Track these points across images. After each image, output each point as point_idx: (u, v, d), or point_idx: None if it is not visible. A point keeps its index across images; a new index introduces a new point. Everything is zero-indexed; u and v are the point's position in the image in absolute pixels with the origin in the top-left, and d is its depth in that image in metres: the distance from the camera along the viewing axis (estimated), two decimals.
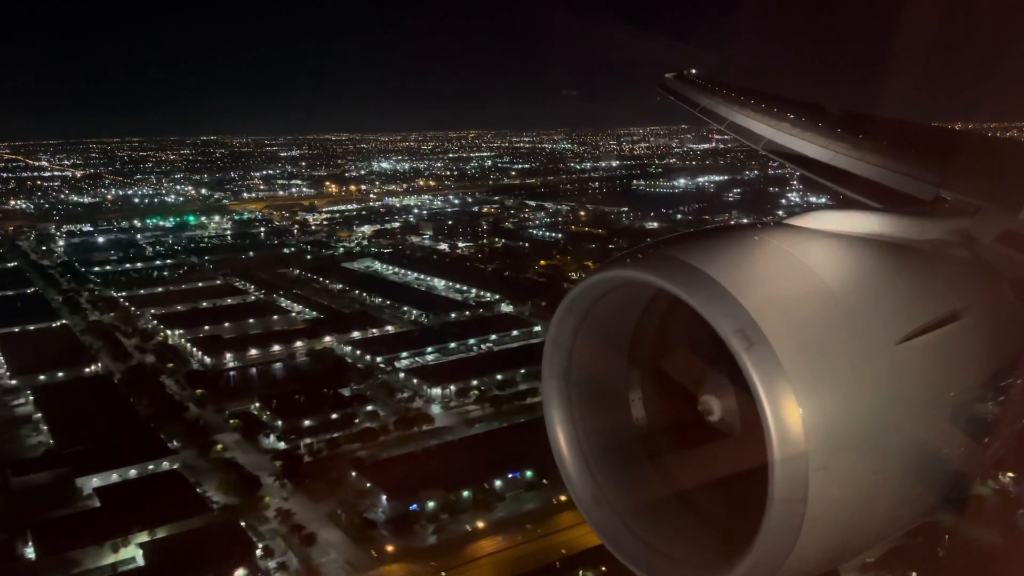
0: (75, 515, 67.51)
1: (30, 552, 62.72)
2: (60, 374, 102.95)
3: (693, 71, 13.36)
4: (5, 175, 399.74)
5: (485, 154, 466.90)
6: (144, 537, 62.28)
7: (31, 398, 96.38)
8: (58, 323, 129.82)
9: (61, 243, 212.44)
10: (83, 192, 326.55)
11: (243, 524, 65.18)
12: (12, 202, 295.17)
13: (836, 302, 3.40)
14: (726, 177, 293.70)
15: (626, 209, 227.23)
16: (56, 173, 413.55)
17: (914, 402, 3.50)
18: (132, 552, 61.53)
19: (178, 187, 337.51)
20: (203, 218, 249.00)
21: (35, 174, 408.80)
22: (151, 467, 76.08)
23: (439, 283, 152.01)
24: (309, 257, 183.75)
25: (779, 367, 3.09)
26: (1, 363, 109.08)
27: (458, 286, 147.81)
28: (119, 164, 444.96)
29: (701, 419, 3.78)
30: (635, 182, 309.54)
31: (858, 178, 7.18)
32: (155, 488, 70.92)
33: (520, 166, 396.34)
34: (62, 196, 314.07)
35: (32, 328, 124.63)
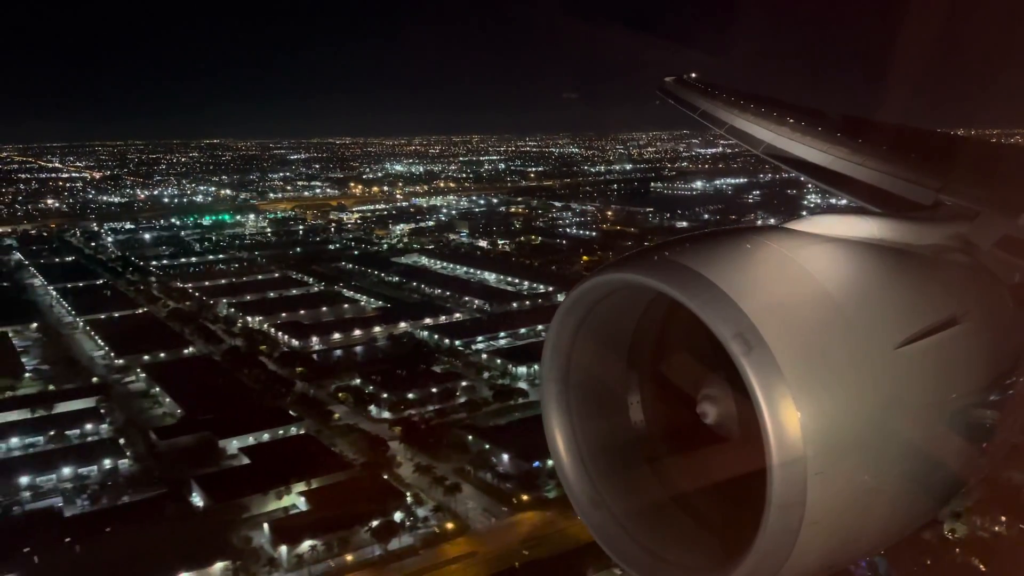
0: (231, 470, 75.28)
1: (197, 500, 70.44)
2: (162, 354, 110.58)
3: (693, 75, 13.36)
4: (25, 176, 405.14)
5: (494, 158, 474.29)
6: (302, 487, 70.01)
7: (143, 375, 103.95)
8: (141, 310, 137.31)
9: (110, 239, 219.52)
10: (109, 192, 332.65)
11: (386, 477, 73.05)
12: (44, 202, 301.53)
13: (835, 306, 3.42)
14: (743, 180, 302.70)
15: (651, 209, 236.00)
16: (74, 175, 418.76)
17: (912, 407, 3.51)
18: (293, 499, 69.27)
19: (200, 188, 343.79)
20: (238, 216, 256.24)
21: (53, 175, 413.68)
22: (281, 432, 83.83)
23: (489, 276, 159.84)
24: (356, 253, 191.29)
25: (778, 371, 3.11)
26: (102, 345, 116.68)
27: (509, 279, 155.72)
28: (132, 166, 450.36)
29: (700, 423, 3.78)
30: (652, 184, 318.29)
31: (858, 182, 7.18)
32: (295, 448, 78.67)
33: (533, 169, 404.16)
34: (90, 196, 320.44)
35: (117, 315, 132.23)
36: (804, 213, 4.50)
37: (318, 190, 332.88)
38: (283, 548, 61.39)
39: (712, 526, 3.99)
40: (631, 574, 3.83)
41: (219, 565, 59.79)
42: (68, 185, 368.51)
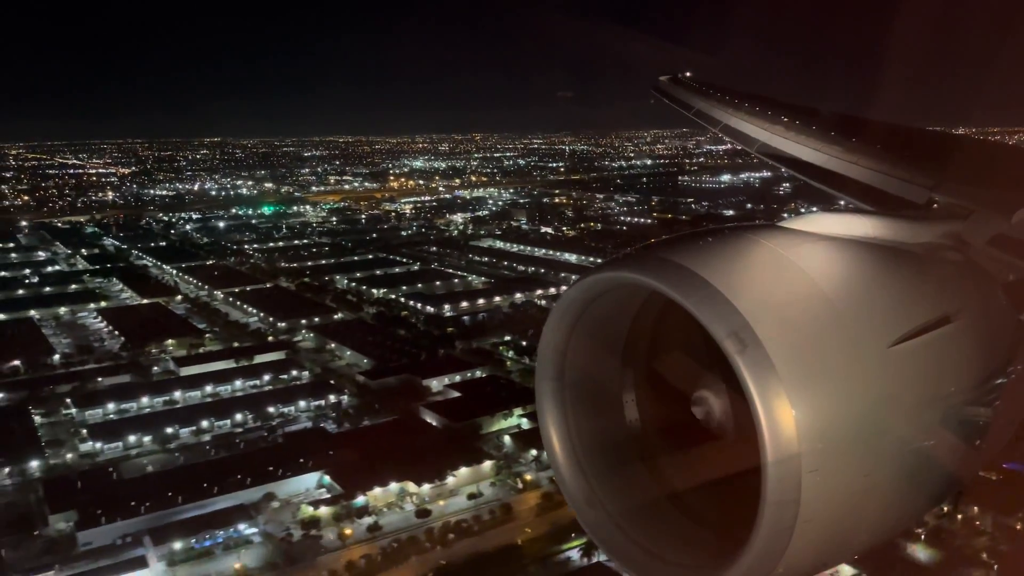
0: (452, 400, 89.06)
1: (432, 421, 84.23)
2: (316, 319, 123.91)
3: (688, 74, 13.35)
4: (53, 172, 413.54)
5: (509, 155, 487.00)
6: (520, 410, 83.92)
7: (310, 335, 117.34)
8: (269, 284, 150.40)
9: (188, 227, 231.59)
10: (148, 186, 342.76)
11: None
12: (94, 195, 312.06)
13: (829, 305, 3.46)
14: (767, 174, 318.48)
15: (691, 199, 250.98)
16: (101, 171, 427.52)
17: (906, 405, 3.56)
18: (516, 420, 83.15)
19: (236, 182, 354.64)
20: (294, 207, 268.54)
21: (80, 172, 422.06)
22: (469, 374, 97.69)
23: (570, 257, 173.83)
24: (431, 236, 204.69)
25: (772, 369, 3.14)
26: (253, 312, 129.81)
27: (590, 258, 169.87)
28: (152, 163, 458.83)
29: (695, 421, 3.79)
30: (679, 177, 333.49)
31: (851, 181, 7.25)
32: (491, 385, 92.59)
33: (554, 165, 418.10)
34: (134, 190, 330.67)
35: (250, 288, 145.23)
36: (803, 209, 4.79)
37: (356, 184, 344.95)
38: (531, 451, 75.32)
39: (707, 524, 4.00)
40: (627, 572, 3.84)
41: (487, 463, 73.87)
42: (103, 180, 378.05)
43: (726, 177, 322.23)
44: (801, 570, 3.42)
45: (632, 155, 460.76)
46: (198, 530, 62.45)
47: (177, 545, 60.89)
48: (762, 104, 10.31)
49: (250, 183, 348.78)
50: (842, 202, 7.65)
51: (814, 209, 4.56)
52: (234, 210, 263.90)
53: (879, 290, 3.81)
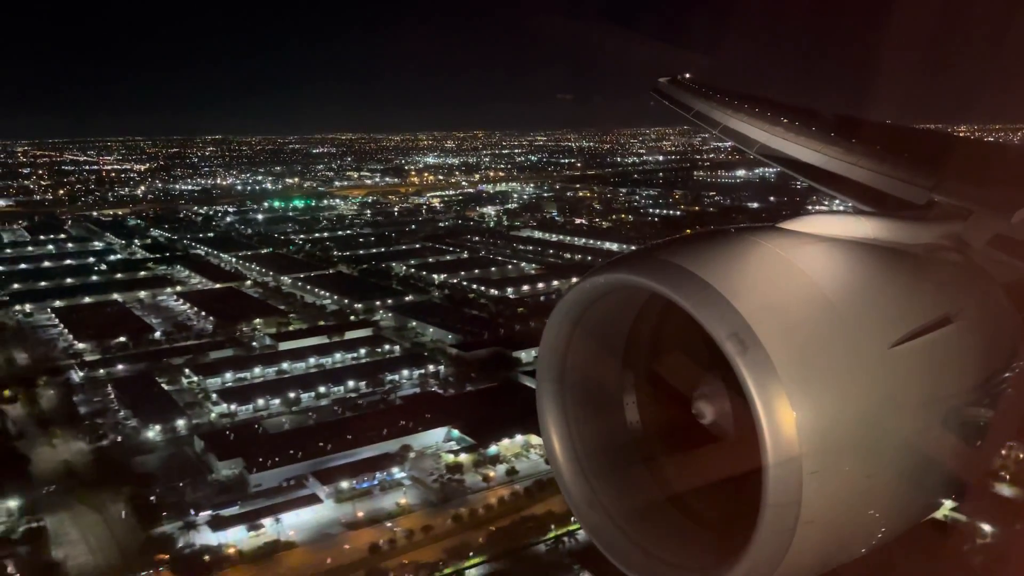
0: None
1: (533, 386, 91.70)
2: (389, 300, 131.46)
3: (687, 75, 13.41)
4: (68, 168, 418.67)
5: (517, 151, 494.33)
6: None
7: (388, 315, 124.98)
8: (331, 271, 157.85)
9: (228, 219, 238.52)
10: (171, 182, 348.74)
11: None
12: (122, 190, 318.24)
13: (830, 306, 3.46)
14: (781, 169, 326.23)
15: (713, 193, 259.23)
16: (116, 167, 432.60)
17: (907, 406, 3.56)
18: None
19: (256, 178, 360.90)
20: (324, 201, 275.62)
21: (96, 168, 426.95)
22: None
23: (611, 245, 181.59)
24: (470, 228, 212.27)
25: (773, 371, 3.14)
26: (326, 295, 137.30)
27: (632, 247, 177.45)
28: (164, 160, 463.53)
29: (695, 422, 3.77)
30: (695, 173, 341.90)
31: (851, 182, 7.26)
32: None
33: (566, 160, 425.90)
34: (158, 185, 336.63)
35: (314, 274, 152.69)
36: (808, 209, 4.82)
37: (376, 179, 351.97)
38: None
39: (708, 526, 4.01)
40: (628, 574, 3.85)
41: None
42: (123, 176, 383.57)
43: (740, 172, 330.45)
44: (802, 572, 3.43)
45: (642, 152, 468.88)
46: (355, 474, 70.14)
47: (343, 485, 68.59)
48: (761, 105, 10.32)
49: (271, 178, 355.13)
50: (841, 203, 7.65)
51: (819, 208, 4.69)
52: (266, 203, 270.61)
53: (879, 291, 3.82)
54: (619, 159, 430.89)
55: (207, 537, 62.32)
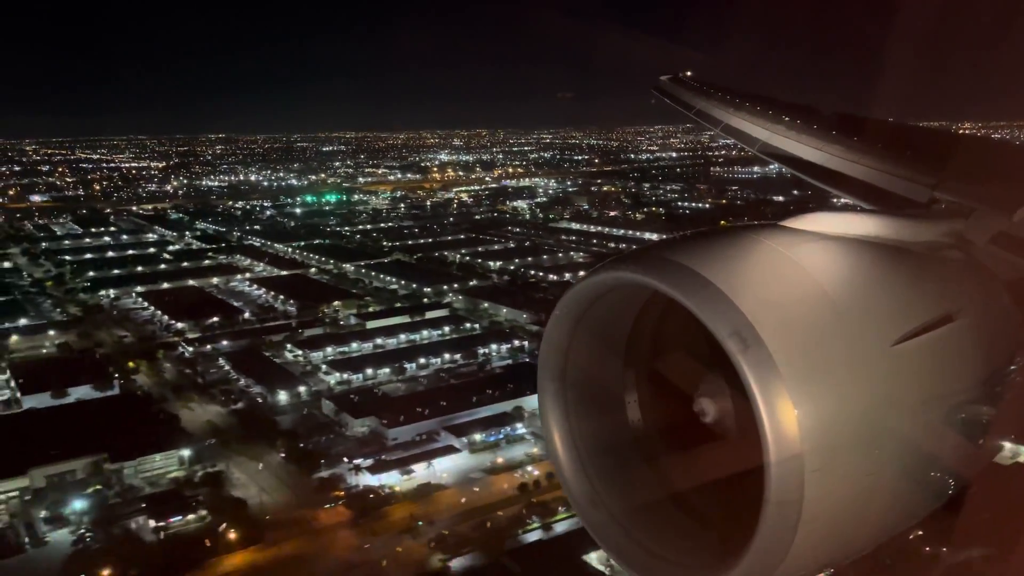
0: None
1: None
2: (455, 285, 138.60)
3: (688, 73, 13.41)
4: (85, 166, 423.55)
5: (526, 148, 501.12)
6: None
7: (459, 297, 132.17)
8: (387, 259, 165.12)
9: (267, 213, 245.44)
10: (196, 178, 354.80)
11: None
12: (148, 186, 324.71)
13: (831, 304, 3.46)
14: None
15: (736, 188, 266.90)
16: (133, 164, 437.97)
17: (909, 404, 3.56)
18: None
19: (279, 174, 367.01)
20: (355, 196, 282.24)
21: (112, 166, 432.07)
22: None
23: (651, 235, 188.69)
24: (507, 217, 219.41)
25: (775, 369, 3.15)
26: (393, 280, 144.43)
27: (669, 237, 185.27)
28: (175, 158, 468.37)
29: (697, 421, 3.79)
30: (712, 168, 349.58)
31: (853, 180, 7.29)
32: None
33: (579, 157, 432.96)
34: (183, 182, 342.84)
35: (373, 262, 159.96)
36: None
37: (399, 175, 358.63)
38: None
39: (710, 524, 4.01)
40: (630, 572, 3.86)
41: None
42: (145, 173, 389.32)
43: (756, 168, 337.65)
44: (804, 570, 3.43)
45: (652, 149, 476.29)
46: (484, 428, 77.44)
47: (476, 437, 75.97)
48: (763, 103, 10.34)
49: (292, 175, 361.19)
50: (843, 201, 7.57)
51: (820, 206, 4.63)
52: (298, 198, 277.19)
53: (881, 289, 3.82)
54: (631, 156, 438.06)
55: (367, 480, 69.57)
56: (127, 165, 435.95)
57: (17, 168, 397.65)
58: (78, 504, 65.16)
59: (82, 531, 62.14)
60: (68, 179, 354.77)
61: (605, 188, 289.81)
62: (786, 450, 3.11)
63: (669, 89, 12.97)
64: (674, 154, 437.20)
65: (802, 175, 8.57)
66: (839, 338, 3.39)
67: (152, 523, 63.01)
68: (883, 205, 6.53)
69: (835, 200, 7.79)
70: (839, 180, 7.59)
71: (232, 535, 60.92)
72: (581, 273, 4.14)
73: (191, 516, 64.07)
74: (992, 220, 4.74)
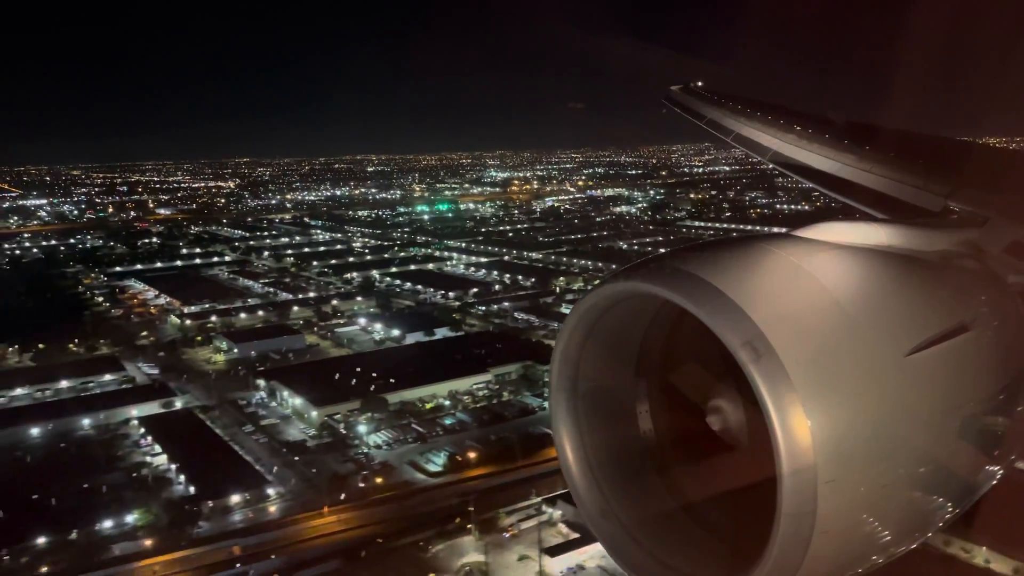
0: None
1: None
2: (561, 280, 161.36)
3: (699, 83, 13.54)
4: (157, 186, 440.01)
5: (568, 165, 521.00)
6: None
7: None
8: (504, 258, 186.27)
9: (399, 219, 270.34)
10: (278, 195, 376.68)
11: None
12: (256, 201, 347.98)
13: (844, 314, 3.42)
14: None
15: (816, 193, 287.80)
16: (199, 184, 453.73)
17: (923, 414, 3.52)
18: None
19: (371, 190, 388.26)
20: (462, 206, 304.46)
21: (182, 185, 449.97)
22: None
23: (778, 229, 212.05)
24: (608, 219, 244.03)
25: (787, 379, 3.11)
26: (588, 263, 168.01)
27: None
28: (232, 179, 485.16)
29: (709, 431, 3.78)
30: (775, 179, 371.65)
31: (865, 189, 7.28)
32: None
33: (633, 172, 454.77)
34: (289, 196, 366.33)
35: (483, 260, 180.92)
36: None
37: (478, 189, 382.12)
38: None
39: (722, 536, 4.00)
40: None
41: None
42: (223, 191, 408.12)
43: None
44: None
45: (698, 163, 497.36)
46: None
47: None
48: (774, 113, 10.34)
49: (373, 190, 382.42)
50: (856, 211, 7.52)
51: (833, 216, 4.52)
52: (413, 208, 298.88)
53: (895, 299, 3.76)
54: (686, 169, 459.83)
55: None
56: (197, 184, 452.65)
57: (96, 189, 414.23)
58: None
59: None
60: (162, 196, 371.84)
61: (692, 195, 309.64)
62: (799, 461, 3.07)
63: (680, 99, 13.22)
64: (726, 167, 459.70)
65: (814, 184, 8.63)
66: (852, 348, 3.36)
67: None
68: (896, 214, 6.41)
69: (848, 209, 7.76)
70: (851, 189, 7.61)
71: None
72: (593, 283, 4.35)
73: None
74: (1006, 229, 4.82)
